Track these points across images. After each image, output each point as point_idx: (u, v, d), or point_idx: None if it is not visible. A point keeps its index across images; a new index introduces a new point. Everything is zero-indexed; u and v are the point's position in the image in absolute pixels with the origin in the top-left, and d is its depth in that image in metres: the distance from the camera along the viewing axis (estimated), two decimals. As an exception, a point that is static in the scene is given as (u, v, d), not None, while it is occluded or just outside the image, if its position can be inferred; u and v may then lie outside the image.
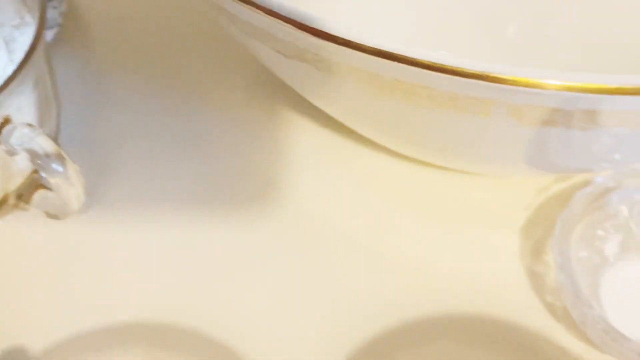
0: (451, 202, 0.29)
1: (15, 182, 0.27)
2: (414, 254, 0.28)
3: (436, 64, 0.18)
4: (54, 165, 0.24)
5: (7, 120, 0.24)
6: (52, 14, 0.34)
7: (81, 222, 0.28)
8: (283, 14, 0.20)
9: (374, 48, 0.19)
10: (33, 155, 0.24)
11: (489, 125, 0.21)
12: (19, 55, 0.26)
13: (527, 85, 0.19)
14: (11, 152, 0.24)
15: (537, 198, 0.30)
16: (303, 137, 0.31)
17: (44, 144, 0.24)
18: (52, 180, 0.25)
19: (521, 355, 0.26)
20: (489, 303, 0.27)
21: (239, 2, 0.20)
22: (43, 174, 0.24)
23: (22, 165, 0.26)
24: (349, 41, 0.19)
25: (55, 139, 0.28)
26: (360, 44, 0.19)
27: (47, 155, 0.24)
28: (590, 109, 0.21)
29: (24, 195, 0.27)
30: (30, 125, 0.24)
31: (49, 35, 0.34)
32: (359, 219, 0.29)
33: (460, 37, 0.33)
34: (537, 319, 0.27)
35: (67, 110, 0.31)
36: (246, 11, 0.21)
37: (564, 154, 0.24)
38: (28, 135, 0.24)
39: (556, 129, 0.22)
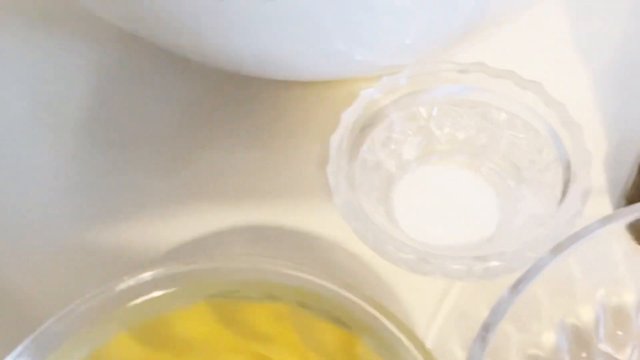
0: (262, 114, 0.29)
1: None
2: (214, 167, 0.28)
3: None
4: None
5: None
6: None
7: None
8: None
9: None
10: None
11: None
12: None
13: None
14: None
15: (353, 107, 0.29)
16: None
17: None
18: None
19: (312, 261, 0.26)
20: (290, 213, 0.27)
21: None
22: None
23: None
24: None
25: None
26: None
27: None
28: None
29: None
30: None
31: None
32: (163, 133, 0.29)
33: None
34: (332, 227, 0.26)
35: None
36: None
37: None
38: None
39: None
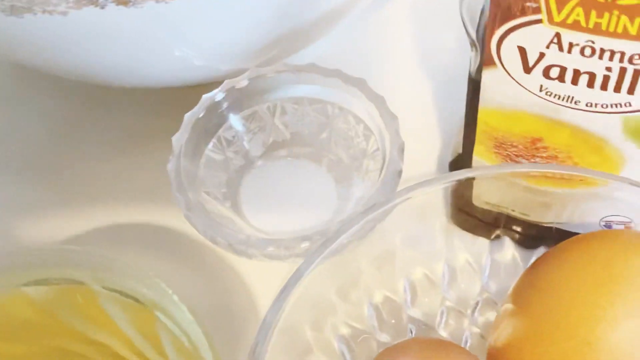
0: (119, 121, 0.31)
1: None
2: (80, 174, 0.30)
3: None
4: None
5: None
6: None
7: None
8: None
9: None
10: None
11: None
12: None
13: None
14: None
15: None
16: None
17: None
18: None
19: (162, 251, 0.28)
20: (142, 209, 0.29)
21: None
22: None
23: None
24: None
25: None
26: None
27: None
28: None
29: None
30: None
31: None
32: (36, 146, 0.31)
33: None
34: (179, 220, 0.28)
35: None
36: None
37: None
38: None
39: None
